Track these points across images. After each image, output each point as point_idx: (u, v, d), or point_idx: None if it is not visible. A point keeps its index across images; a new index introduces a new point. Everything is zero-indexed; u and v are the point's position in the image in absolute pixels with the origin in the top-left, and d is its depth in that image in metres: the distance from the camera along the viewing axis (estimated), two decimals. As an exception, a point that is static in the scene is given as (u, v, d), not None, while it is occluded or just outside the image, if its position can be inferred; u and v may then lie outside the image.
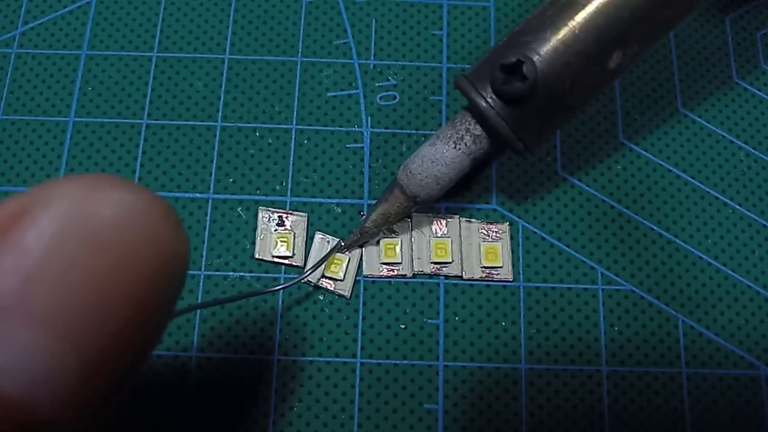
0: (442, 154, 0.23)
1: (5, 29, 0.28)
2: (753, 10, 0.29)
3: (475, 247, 0.25)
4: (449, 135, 0.23)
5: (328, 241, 0.25)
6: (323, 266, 0.24)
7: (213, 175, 0.26)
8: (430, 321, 0.25)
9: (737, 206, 0.27)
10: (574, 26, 0.21)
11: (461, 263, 0.25)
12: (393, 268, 0.25)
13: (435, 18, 0.29)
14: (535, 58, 0.21)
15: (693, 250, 0.26)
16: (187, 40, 0.28)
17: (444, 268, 0.25)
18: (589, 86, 0.22)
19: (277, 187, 0.26)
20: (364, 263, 0.25)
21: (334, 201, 0.26)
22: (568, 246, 0.26)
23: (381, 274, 0.25)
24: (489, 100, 0.21)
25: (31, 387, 0.09)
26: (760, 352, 0.25)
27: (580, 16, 0.21)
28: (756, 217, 0.26)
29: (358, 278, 0.25)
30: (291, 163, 0.27)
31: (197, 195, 0.26)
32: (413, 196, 0.23)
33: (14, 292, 0.09)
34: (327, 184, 0.26)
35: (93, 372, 0.10)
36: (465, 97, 0.22)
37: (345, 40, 0.28)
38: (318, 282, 0.25)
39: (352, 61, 0.28)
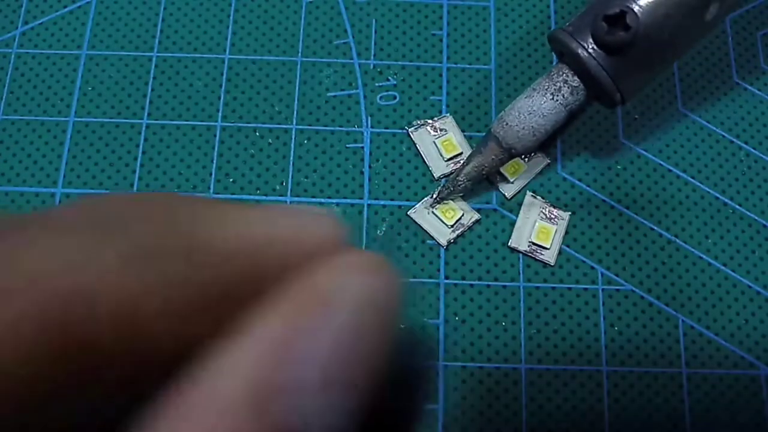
0: (539, 106, 0.23)
1: (5, 29, 0.28)
2: (753, 10, 0.29)
3: (530, 222, 0.26)
4: (546, 87, 0.23)
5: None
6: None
7: (213, 175, 0.26)
8: (430, 321, 0.25)
9: (737, 206, 0.27)
10: None
11: (512, 231, 0.26)
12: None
13: (435, 18, 0.29)
14: (636, 9, 0.21)
15: (693, 250, 0.26)
16: (187, 40, 0.28)
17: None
18: (687, 38, 0.23)
19: (277, 187, 0.26)
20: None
21: (334, 201, 0.26)
22: (568, 246, 0.26)
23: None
24: (590, 50, 0.22)
25: None
26: (760, 352, 0.25)
27: None
28: (756, 217, 0.26)
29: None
30: (291, 163, 0.27)
31: (197, 195, 0.26)
32: (509, 148, 0.24)
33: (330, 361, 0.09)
34: (327, 184, 0.26)
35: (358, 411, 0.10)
36: (560, 51, 0.23)
37: (345, 40, 0.28)
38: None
39: (352, 61, 0.28)
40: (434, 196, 0.26)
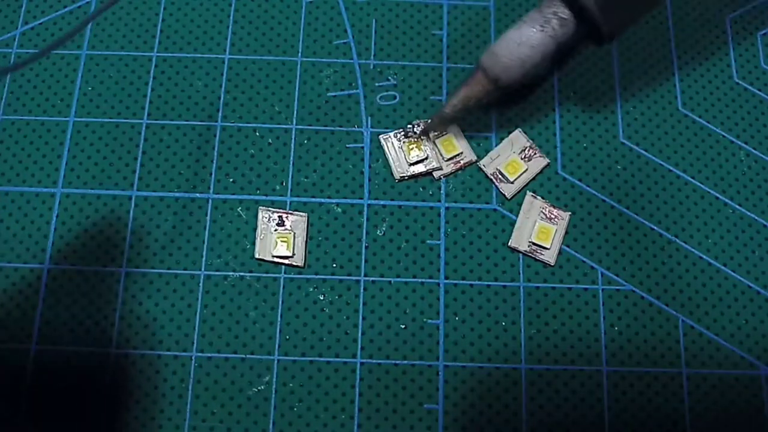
0: (528, 37, 0.24)
1: (5, 29, 0.28)
2: (753, 10, 0.29)
3: (530, 222, 0.26)
4: (535, 18, 0.24)
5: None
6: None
7: (213, 175, 0.26)
8: (430, 321, 0.25)
9: (737, 206, 0.27)
10: None
11: (512, 231, 0.26)
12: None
13: (435, 18, 0.29)
14: None
15: (693, 250, 0.26)
16: (187, 40, 0.28)
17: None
18: None
19: (277, 187, 0.26)
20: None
21: (334, 201, 0.26)
22: (568, 246, 0.26)
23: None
24: None
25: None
26: (760, 352, 0.25)
27: None
28: (756, 217, 0.26)
29: (357, 278, 0.25)
30: (291, 163, 0.27)
31: (197, 195, 0.26)
32: (495, 79, 0.24)
33: None
34: (327, 184, 0.26)
35: None
36: None
37: (345, 40, 0.28)
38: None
39: (352, 61, 0.28)
40: (419, 127, 0.26)
